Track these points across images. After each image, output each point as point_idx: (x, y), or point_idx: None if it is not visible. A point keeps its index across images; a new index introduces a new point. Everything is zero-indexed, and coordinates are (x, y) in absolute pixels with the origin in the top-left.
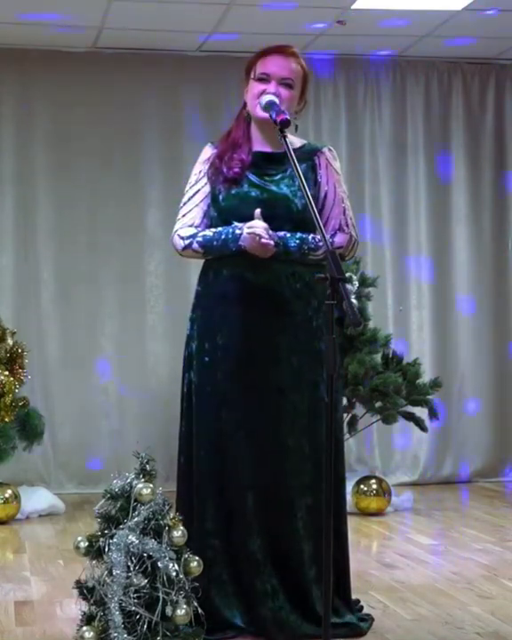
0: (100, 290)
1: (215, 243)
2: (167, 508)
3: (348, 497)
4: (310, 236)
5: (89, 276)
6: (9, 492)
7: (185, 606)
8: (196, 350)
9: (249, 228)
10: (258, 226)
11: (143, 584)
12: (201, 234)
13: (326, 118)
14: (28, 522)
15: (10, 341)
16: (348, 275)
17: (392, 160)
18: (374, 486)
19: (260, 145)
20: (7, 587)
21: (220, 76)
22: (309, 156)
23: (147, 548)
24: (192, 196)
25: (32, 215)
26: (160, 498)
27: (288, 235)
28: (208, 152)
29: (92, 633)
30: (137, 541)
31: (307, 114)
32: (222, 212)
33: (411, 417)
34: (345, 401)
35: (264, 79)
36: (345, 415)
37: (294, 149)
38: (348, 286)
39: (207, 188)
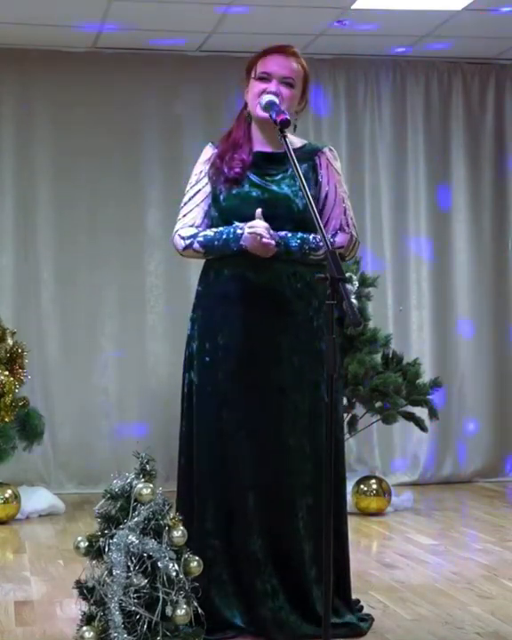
0: (100, 290)
1: (216, 243)
2: (167, 507)
3: (348, 497)
4: (311, 236)
5: (89, 275)
6: (9, 491)
7: (185, 606)
8: (197, 350)
9: (250, 227)
10: (259, 225)
11: (143, 584)
12: (202, 234)
13: (326, 118)
14: (28, 522)
15: (10, 341)
16: (348, 275)
17: (392, 160)
18: (374, 486)
19: (260, 145)
20: (7, 587)
21: (220, 76)
22: (310, 156)
23: (147, 548)
24: (193, 196)
25: (32, 215)
26: (160, 498)
27: (289, 234)
28: (208, 152)
29: (91, 633)
30: (137, 541)
31: (307, 114)
32: (223, 211)
33: (411, 417)
34: (345, 401)
35: (265, 78)
36: (345, 415)
37: (295, 149)
38: (348, 286)
39: (208, 188)
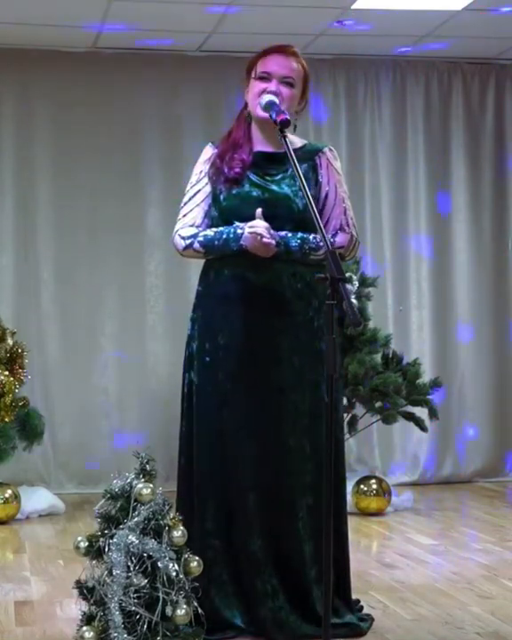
0: (100, 290)
1: (216, 242)
2: (167, 507)
3: (348, 497)
4: (311, 236)
5: (89, 275)
6: (9, 491)
7: (185, 606)
8: (197, 350)
9: (250, 227)
10: (259, 225)
11: (143, 584)
12: (202, 234)
13: (326, 118)
14: (28, 522)
15: (10, 341)
16: (348, 275)
17: (392, 160)
18: (374, 486)
19: (260, 145)
20: (7, 587)
21: (220, 75)
22: (310, 156)
23: (147, 548)
24: (193, 196)
25: (32, 215)
26: (160, 498)
27: (289, 234)
28: (209, 152)
29: (91, 633)
30: (137, 541)
31: (307, 114)
32: (223, 211)
33: (411, 417)
34: (345, 401)
35: (265, 78)
36: (345, 415)
37: (295, 149)
38: (348, 286)
39: (208, 188)
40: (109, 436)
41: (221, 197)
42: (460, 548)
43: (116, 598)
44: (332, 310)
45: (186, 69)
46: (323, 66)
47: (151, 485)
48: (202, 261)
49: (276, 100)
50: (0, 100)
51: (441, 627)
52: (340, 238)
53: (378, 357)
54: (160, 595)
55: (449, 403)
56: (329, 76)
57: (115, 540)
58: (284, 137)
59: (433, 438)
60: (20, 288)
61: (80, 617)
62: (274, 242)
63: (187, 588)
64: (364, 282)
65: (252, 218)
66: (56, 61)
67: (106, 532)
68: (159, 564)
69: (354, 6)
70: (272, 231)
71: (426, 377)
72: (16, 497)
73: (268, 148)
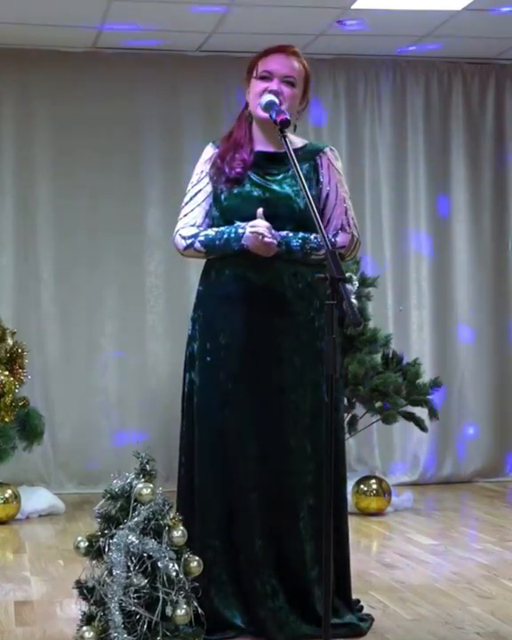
0: (100, 290)
1: (217, 242)
2: (167, 507)
3: (349, 497)
4: (313, 236)
5: (89, 275)
6: (9, 491)
7: (185, 606)
8: (198, 350)
9: (252, 226)
10: (260, 225)
11: (143, 584)
12: (203, 233)
13: (326, 118)
14: (28, 522)
15: (10, 341)
16: (348, 275)
17: (392, 160)
18: (374, 486)
19: (261, 145)
20: (7, 587)
21: (220, 76)
22: (311, 155)
23: (147, 548)
24: (194, 196)
25: (32, 215)
26: (160, 498)
27: (290, 234)
28: (209, 152)
29: (91, 633)
30: (137, 541)
31: (307, 114)
32: (224, 211)
33: (411, 417)
34: (345, 401)
35: (266, 77)
36: (345, 415)
37: (296, 149)
38: (348, 286)
39: (209, 188)
40: (109, 436)
41: (222, 197)
42: (460, 548)
43: (116, 598)
44: (333, 310)
45: (186, 69)
46: (323, 66)
47: (151, 485)
48: (202, 261)
49: (276, 100)
50: (0, 100)
51: (441, 627)
52: (341, 238)
53: (378, 357)
54: (160, 595)
55: (449, 403)
56: (329, 76)
57: (115, 540)
58: (284, 137)
59: (433, 438)
60: (20, 288)
61: (80, 617)
62: (275, 241)
63: (187, 587)
64: (364, 282)
65: (253, 217)
66: (56, 61)
67: (106, 532)
68: (159, 564)
69: (354, 6)
70: (273, 231)
71: (426, 377)
72: (16, 497)
73: (269, 148)
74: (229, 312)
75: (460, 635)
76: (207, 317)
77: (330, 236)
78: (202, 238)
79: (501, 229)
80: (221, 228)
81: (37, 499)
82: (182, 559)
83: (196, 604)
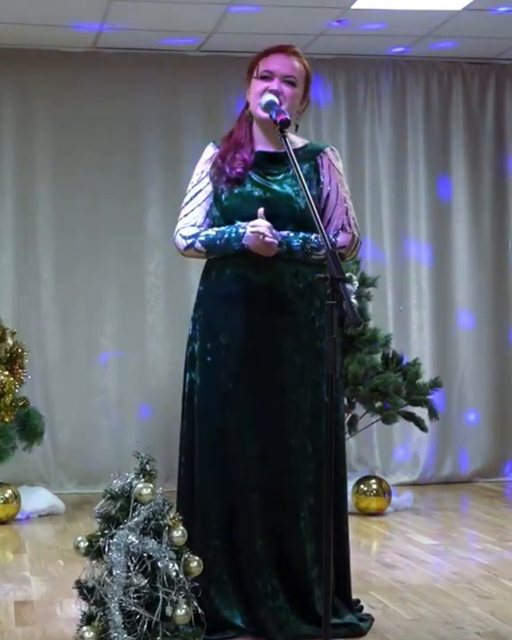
0: (100, 289)
1: (218, 242)
2: (167, 507)
3: (349, 497)
4: (313, 236)
5: (89, 275)
6: (9, 491)
7: (185, 606)
8: (199, 350)
9: (252, 226)
10: (261, 225)
11: (143, 584)
12: (203, 233)
13: (326, 118)
14: (28, 522)
15: (10, 341)
16: (348, 275)
17: (392, 160)
18: (374, 486)
19: (262, 145)
20: (7, 587)
21: (220, 75)
22: (312, 156)
23: (147, 548)
24: (194, 196)
25: (32, 215)
26: (160, 498)
27: (291, 234)
28: (210, 152)
29: (91, 633)
30: (137, 541)
31: (307, 113)
32: (225, 211)
33: (411, 417)
34: (345, 401)
35: (267, 77)
36: (345, 415)
37: (296, 149)
38: (348, 286)
39: (209, 188)
40: (109, 436)
41: (223, 197)
42: (460, 547)
43: (116, 598)
44: (333, 310)
45: (186, 69)
46: (323, 66)
47: (151, 485)
48: (203, 261)
49: (276, 100)
50: (0, 100)
51: (441, 627)
52: (342, 238)
53: (378, 357)
54: (160, 595)
55: (449, 403)
56: (329, 76)
57: (115, 540)
58: (284, 137)
59: (433, 438)
60: (20, 288)
61: (80, 617)
62: (276, 241)
63: (187, 588)
64: (364, 282)
65: (254, 217)
66: (56, 61)
67: (106, 531)
68: (159, 564)
69: (354, 6)
70: (274, 231)
71: (426, 377)
72: (16, 497)
73: (270, 148)
74: (230, 312)
75: (460, 635)
76: (208, 317)
77: (330, 236)
78: (202, 238)
79: (501, 229)
80: (222, 228)
81: (37, 499)
82: (182, 559)
83: (195, 603)
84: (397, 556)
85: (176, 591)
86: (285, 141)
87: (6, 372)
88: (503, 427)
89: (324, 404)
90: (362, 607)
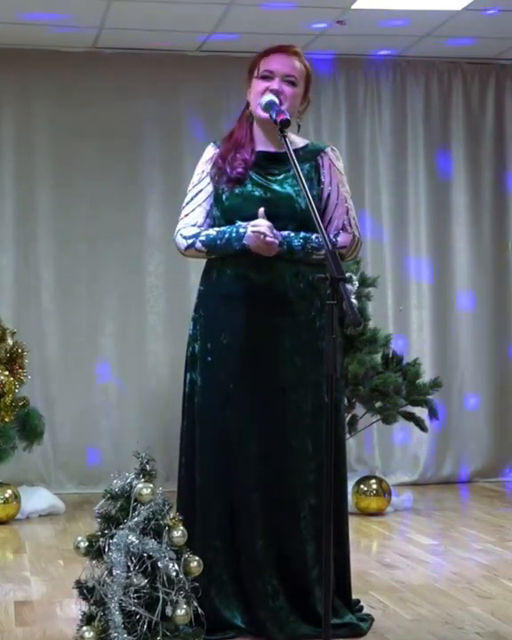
0: (100, 290)
1: (218, 242)
2: (167, 507)
3: (349, 497)
4: (314, 236)
5: (89, 275)
6: (9, 491)
7: (185, 606)
8: (199, 350)
9: (253, 226)
10: (262, 224)
11: (143, 584)
12: (204, 233)
13: (326, 118)
14: (28, 522)
15: (10, 341)
16: (348, 275)
17: (392, 160)
18: (374, 486)
19: (262, 145)
20: (7, 587)
21: (220, 75)
22: (312, 155)
23: (147, 548)
24: (195, 196)
25: (32, 215)
26: (160, 498)
27: (292, 234)
28: (210, 152)
29: (91, 633)
30: (137, 541)
31: (307, 113)
32: (226, 211)
33: (411, 417)
34: (345, 401)
35: (267, 77)
36: (345, 415)
37: (297, 149)
38: (348, 286)
39: (210, 188)
40: (109, 437)
41: (223, 197)
42: (460, 547)
43: (116, 598)
44: (333, 310)
45: (186, 69)
46: (323, 66)
47: (151, 485)
48: (203, 261)
49: (276, 100)
50: (0, 100)
51: (441, 627)
52: (342, 238)
53: (378, 357)
54: (160, 595)
55: (449, 402)
56: (329, 76)
57: (115, 540)
58: (285, 137)
59: (433, 438)
60: (20, 288)
61: (80, 617)
62: (277, 241)
63: (187, 588)
64: (364, 282)
65: (255, 217)
66: (56, 61)
67: (106, 531)
68: (159, 564)
69: (354, 6)
70: (275, 230)
71: (426, 377)
72: (16, 497)
73: (270, 148)
74: (230, 312)
75: (460, 635)
76: (208, 317)
77: (331, 236)
78: (203, 238)
79: (501, 230)
80: (223, 228)
81: (37, 499)
82: (182, 559)
83: (195, 603)
84: (397, 556)
85: (176, 591)
86: (285, 141)
87: (6, 372)
88: (503, 427)
89: (325, 404)
90: (362, 607)
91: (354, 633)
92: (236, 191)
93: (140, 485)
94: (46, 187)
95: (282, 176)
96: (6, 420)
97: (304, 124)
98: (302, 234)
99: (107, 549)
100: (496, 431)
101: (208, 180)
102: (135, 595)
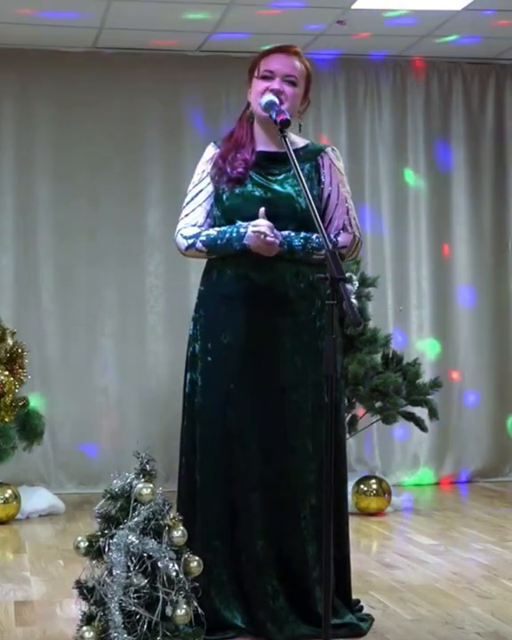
0: (100, 290)
1: (219, 242)
2: (167, 507)
3: (349, 497)
4: (314, 236)
5: (89, 275)
6: (9, 491)
7: (185, 606)
8: (200, 350)
9: (253, 226)
10: (262, 224)
11: (143, 584)
12: (204, 233)
13: (327, 118)
14: (28, 522)
15: (10, 341)
16: (348, 275)
17: (392, 160)
18: (374, 486)
19: (263, 145)
20: (7, 587)
21: (221, 75)
22: (313, 155)
23: (147, 548)
24: (195, 196)
25: (32, 215)
26: (160, 498)
27: (292, 234)
28: (211, 152)
29: (91, 633)
30: (137, 541)
31: (307, 113)
32: (226, 211)
33: (411, 417)
34: (345, 401)
35: (268, 76)
36: (345, 415)
37: (297, 149)
38: (348, 286)
39: (210, 188)
40: (109, 437)
41: (224, 197)
42: (460, 547)
43: (116, 598)
44: (333, 310)
45: (186, 69)
46: (323, 66)
47: (151, 485)
48: (203, 261)
49: (276, 100)
50: (0, 100)
51: (441, 627)
52: (343, 238)
53: (378, 357)
54: (160, 595)
55: (449, 402)
56: (329, 75)
57: (115, 540)
58: (285, 137)
59: (433, 438)
60: (20, 288)
61: (80, 617)
62: (277, 241)
63: (187, 588)
64: (364, 282)
65: (255, 217)
66: (56, 61)
67: (106, 531)
68: (159, 564)
69: (354, 6)
70: (275, 230)
71: (426, 377)
72: (16, 497)
73: (271, 148)
74: (231, 312)
75: (460, 635)
76: (209, 317)
77: (331, 236)
78: (203, 238)
79: (501, 230)
80: (223, 228)
81: (37, 499)
82: (182, 559)
83: (195, 604)
84: (397, 556)
85: (176, 591)
86: (285, 141)
87: (6, 372)
88: (503, 427)
89: (325, 404)
90: (362, 607)
91: (354, 633)
92: (237, 191)
93: (139, 485)
94: (46, 187)
95: (282, 176)
96: (6, 419)
97: (305, 124)
98: (303, 234)
99: (107, 549)
100: (496, 431)
101: (208, 179)
102: (135, 595)
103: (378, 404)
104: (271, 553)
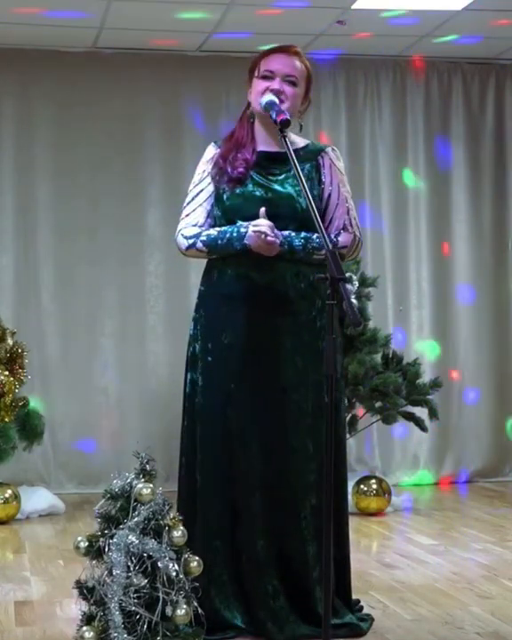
0: (100, 290)
1: (219, 242)
2: (167, 507)
3: (349, 497)
4: (315, 236)
5: (89, 275)
6: (9, 491)
7: (185, 606)
8: (200, 350)
9: (254, 226)
10: (263, 224)
11: (143, 584)
12: (205, 233)
13: (327, 118)
14: (28, 522)
15: (10, 341)
16: (348, 275)
17: (392, 159)
18: (374, 486)
19: (263, 145)
20: (7, 587)
21: (221, 75)
22: (313, 155)
23: (147, 548)
24: (196, 196)
25: (32, 215)
26: (160, 498)
27: (293, 234)
28: (211, 152)
29: (91, 633)
30: (137, 541)
31: (307, 113)
32: (226, 211)
33: (411, 417)
34: (345, 401)
35: (268, 76)
36: (345, 415)
37: (298, 149)
38: (348, 286)
39: (211, 188)
40: (109, 436)
41: (224, 197)
42: (460, 547)
43: (116, 598)
44: (333, 310)
45: (186, 69)
46: (323, 66)
47: (151, 485)
48: (203, 261)
49: (276, 100)
50: (0, 100)
51: (441, 627)
52: (343, 238)
53: (378, 357)
54: (160, 595)
55: (449, 402)
56: (329, 75)
57: (115, 540)
58: (285, 137)
59: (433, 438)
60: (20, 288)
61: (80, 617)
62: (278, 241)
63: (187, 588)
64: (364, 282)
65: (255, 217)
66: (56, 61)
67: (106, 531)
68: (159, 564)
69: (354, 6)
70: (276, 230)
71: (426, 377)
72: (16, 497)
73: (272, 148)
74: (231, 312)
75: (460, 635)
76: (209, 317)
77: (332, 236)
78: (204, 238)
79: (501, 229)
80: (224, 228)
81: (37, 499)
82: (182, 559)
83: (195, 603)
84: (397, 556)
85: (176, 591)
86: (285, 141)
87: (6, 372)
88: (503, 427)
89: (325, 404)
90: (362, 607)
91: (354, 633)
92: (237, 191)
93: (139, 485)
94: (46, 187)
95: (283, 176)
96: (6, 419)
97: (304, 123)
98: (303, 234)
99: (107, 549)
100: (496, 431)
101: (209, 179)
102: (135, 595)
103: (378, 404)
104: (271, 553)
